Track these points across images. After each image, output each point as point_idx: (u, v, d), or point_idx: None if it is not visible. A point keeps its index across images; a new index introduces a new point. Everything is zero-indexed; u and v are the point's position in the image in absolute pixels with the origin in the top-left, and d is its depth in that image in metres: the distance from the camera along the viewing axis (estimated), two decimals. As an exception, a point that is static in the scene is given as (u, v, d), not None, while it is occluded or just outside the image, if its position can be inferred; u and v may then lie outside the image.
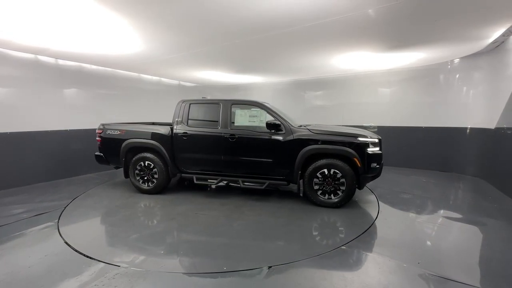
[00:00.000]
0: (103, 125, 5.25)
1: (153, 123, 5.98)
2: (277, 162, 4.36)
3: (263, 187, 4.47)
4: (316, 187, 4.18)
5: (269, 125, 4.28)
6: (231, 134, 4.50)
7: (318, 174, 4.13)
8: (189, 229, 3.55)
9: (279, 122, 4.32)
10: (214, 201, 4.60)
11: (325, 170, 4.09)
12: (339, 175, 4.05)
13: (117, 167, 5.50)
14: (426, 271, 2.50)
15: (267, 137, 4.37)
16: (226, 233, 3.39)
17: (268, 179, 4.49)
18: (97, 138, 5.22)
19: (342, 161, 4.05)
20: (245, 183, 4.58)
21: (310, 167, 4.16)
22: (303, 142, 4.20)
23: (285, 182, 4.48)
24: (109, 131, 5.12)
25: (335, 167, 4.05)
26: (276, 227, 3.55)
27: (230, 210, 4.16)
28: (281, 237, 3.29)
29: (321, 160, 4.12)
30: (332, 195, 4.16)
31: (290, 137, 4.26)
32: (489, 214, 3.94)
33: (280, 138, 4.30)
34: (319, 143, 4.13)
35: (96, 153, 5.29)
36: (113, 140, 5.07)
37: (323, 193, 4.19)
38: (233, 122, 4.63)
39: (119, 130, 5.07)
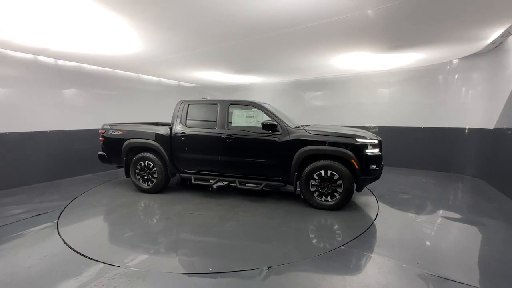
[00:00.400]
0: (107, 125, 5.32)
1: (157, 124, 6.02)
2: (274, 163, 4.33)
3: (259, 188, 4.43)
4: (312, 188, 4.11)
5: (265, 126, 4.24)
6: (228, 135, 4.49)
7: (315, 176, 4.07)
8: (187, 228, 3.55)
9: (276, 123, 4.27)
10: (211, 201, 4.61)
11: (322, 172, 4.03)
12: (336, 177, 3.98)
13: (119, 166, 5.53)
14: (425, 271, 2.50)
15: (263, 138, 4.33)
16: (220, 233, 3.39)
17: (264, 180, 4.46)
18: (100, 138, 5.32)
19: (339, 163, 3.97)
20: (242, 184, 4.55)
21: (306, 168, 4.09)
22: (300, 143, 4.14)
23: (282, 183, 4.43)
24: (111, 131, 5.22)
25: (332, 168, 3.98)
26: (274, 228, 3.55)
27: (226, 210, 4.15)
28: (276, 238, 3.27)
29: (318, 161, 4.05)
30: (329, 197, 4.08)
31: (287, 138, 4.22)
32: (488, 214, 3.95)
33: (277, 138, 4.26)
34: (316, 144, 4.08)
35: (99, 153, 5.41)
36: (115, 140, 5.16)
37: (320, 195, 4.11)
38: (231, 123, 4.62)
39: (120, 130, 5.16)
